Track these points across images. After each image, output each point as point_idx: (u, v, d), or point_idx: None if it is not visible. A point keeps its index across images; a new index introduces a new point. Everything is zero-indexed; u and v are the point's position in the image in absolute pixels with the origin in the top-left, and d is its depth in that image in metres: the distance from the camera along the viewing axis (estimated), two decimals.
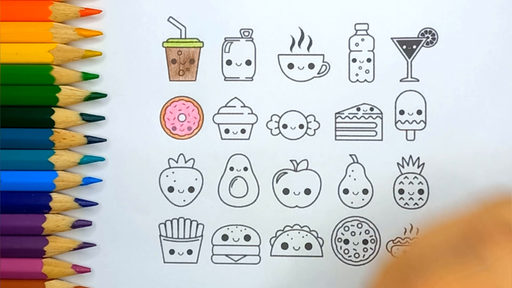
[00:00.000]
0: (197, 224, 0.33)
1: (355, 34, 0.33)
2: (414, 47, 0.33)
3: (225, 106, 0.33)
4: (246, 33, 0.33)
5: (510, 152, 0.32)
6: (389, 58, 0.33)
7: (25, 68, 0.32)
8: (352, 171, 0.33)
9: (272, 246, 0.33)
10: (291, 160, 0.33)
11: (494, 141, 0.32)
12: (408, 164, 0.33)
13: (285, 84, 0.33)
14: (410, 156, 0.33)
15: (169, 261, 0.33)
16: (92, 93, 0.33)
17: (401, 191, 0.33)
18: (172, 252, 0.33)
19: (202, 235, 0.33)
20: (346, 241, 0.33)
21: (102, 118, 0.33)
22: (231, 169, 0.33)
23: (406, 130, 0.33)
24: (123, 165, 0.33)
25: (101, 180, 0.33)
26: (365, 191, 0.33)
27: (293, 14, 0.33)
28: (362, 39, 0.33)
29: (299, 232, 0.33)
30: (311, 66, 0.33)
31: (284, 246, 0.33)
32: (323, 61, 0.33)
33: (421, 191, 0.33)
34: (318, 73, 0.33)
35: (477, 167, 0.33)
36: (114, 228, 0.33)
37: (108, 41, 0.33)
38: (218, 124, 0.33)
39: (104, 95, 0.33)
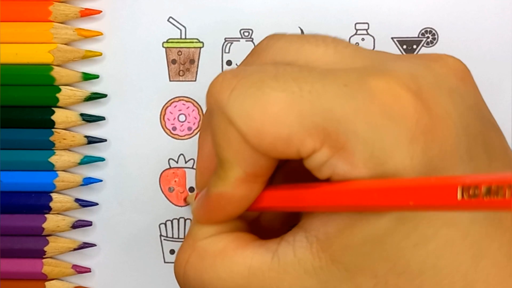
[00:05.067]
0: None
1: (355, 34, 0.33)
2: (415, 47, 0.33)
3: None
4: (246, 33, 0.33)
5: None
6: None
7: (25, 69, 0.32)
8: None
9: None
10: None
11: None
12: None
13: None
14: None
15: (169, 261, 0.33)
16: (92, 93, 0.33)
17: None
18: (172, 252, 0.33)
19: None
20: None
21: (102, 118, 0.33)
22: None
23: None
24: (123, 165, 0.33)
25: (101, 180, 0.33)
26: None
27: (293, 14, 0.33)
28: (363, 39, 0.33)
29: None
30: None
31: None
32: None
33: None
34: None
35: None
36: (114, 228, 0.33)
37: (108, 41, 0.33)
38: None
39: (104, 95, 0.33)
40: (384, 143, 0.21)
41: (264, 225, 0.28)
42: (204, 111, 0.33)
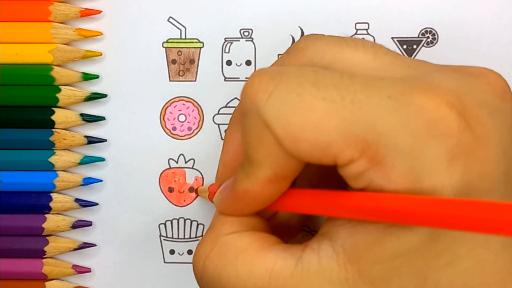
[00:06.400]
0: (197, 224, 0.33)
1: (356, 34, 0.33)
2: (415, 47, 0.33)
3: (225, 106, 0.33)
4: (246, 33, 0.33)
5: None
6: None
7: (25, 69, 0.32)
8: None
9: None
10: None
11: None
12: None
13: None
14: None
15: (169, 261, 0.33)
16: (92, 93, 0.33)
17: None
18: (172, 252, 0.33)
19: (202, 235, 0.33)
20: None
21: (102, 118, 0.33)
22: None
23: None
24: (123, 165, 0.33)
25: (101, 180, 0.33)
26: None
27: (293, 14, 0.33)
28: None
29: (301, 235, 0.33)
30: None
31: None
32: None
33: None
34: None
35: None
36: (114, 228, 0.33)
37: (108, 41, 0.33)
38: (218, 124, 0.33)
39: (104, 95, 0.33)
40: (425, 160, 0.21)
41: (281, 221, 0.28)
42: (204, 111, 0.33)
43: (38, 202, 0.32)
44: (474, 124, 0.21)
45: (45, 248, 0.32)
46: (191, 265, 0.33)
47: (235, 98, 0.33)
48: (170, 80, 0.33)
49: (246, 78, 0.33)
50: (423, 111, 0.21)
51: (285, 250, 0.24)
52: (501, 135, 0.22)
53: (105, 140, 0.33)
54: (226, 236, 0.25)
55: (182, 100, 0.33)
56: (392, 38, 0.33)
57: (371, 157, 0.21)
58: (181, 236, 0.33)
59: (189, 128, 0.33)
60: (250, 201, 0.24)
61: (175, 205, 0.33)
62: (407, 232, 0.21)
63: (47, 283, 0.33)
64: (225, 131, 0.29)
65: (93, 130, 0.33)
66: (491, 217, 0.18)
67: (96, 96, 0.33)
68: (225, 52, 0.33)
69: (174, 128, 0.33)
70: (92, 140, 0.33)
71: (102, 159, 0.33)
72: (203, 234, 0.33)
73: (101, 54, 0.33)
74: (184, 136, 0.33)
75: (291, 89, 0.22)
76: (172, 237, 0.33)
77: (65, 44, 0.32)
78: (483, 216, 0.19)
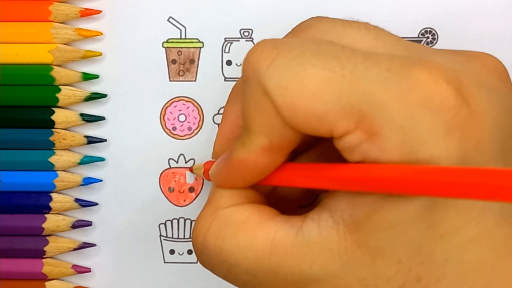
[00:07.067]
0: None
1: None
2: None
3: None
4: (246, 33, 0.33)
5: None
6: None
7: (25, 69, 0.32)
8: None
9: None
10: None
11: None
12: None
13: None
14: None
15: (169, 261, 0.33)
16: (92, 93, 0.33)
17: None
18: (172, 252, 0.33)
19: None
20: None
21: (102, 118, 0.33)
22: None
23: None
24: (123, 165, 0.33)
25: (101, 180, 0.33)
26: None
27: (293, 14, 0.33)
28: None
29: None
30: None
31: None
32: None
33: None
34: None
35: None
36: (114, 228, 0.33)
37: (108, 41, 0.33)
38: (218, 124, 0.33)
39: (104, 95, 0.33)
40: (421, 132, 0.21)
41: (279, 198, 0.28)
42: (204, 111, 0.33)
43: (38, 202, 0.32)
44: (471, 100, 0.22)
45: (45, 248, 0.32)
46: (191, 265, 0.33)
47: None
48: (170, 80, 0.33)
49: None
50: (421, 84, 0.21)
51: (285, 221, 0.24)
52: (497, 114, 0.22)
53: (105, 140, 0.33)
54: (225, 209, 0.25)
55: (182, 100, 0.33)
56: None
57: (366, 129, 0.21)
58: (181, 236, 0.33)
59: (189, 128, 0.33)
60: (245, 172, 0.25)
61: (175, 205, 0.33)
62: (402, 203, 0.22)
63: (47, 283, 0.33)
64: (225, 103, 0.29)
65: (93, 130, 0.33)
66: (489, 183, 0.18)
67: (96, 96, 0.33)
68: (225, 52, 0.33)
69: (174, 128, 0.33)
70: (92, 140, 0.33)
71: (102, 159, 0.33)
72: None
73: (101, 54, 0.33)
74: (184, 136, 0.33)
75: (292, 58, 0.22)
76: (172, 237, 0.33)
77: (65, 44, 0.32)
78: (482, 182, 0.19)
